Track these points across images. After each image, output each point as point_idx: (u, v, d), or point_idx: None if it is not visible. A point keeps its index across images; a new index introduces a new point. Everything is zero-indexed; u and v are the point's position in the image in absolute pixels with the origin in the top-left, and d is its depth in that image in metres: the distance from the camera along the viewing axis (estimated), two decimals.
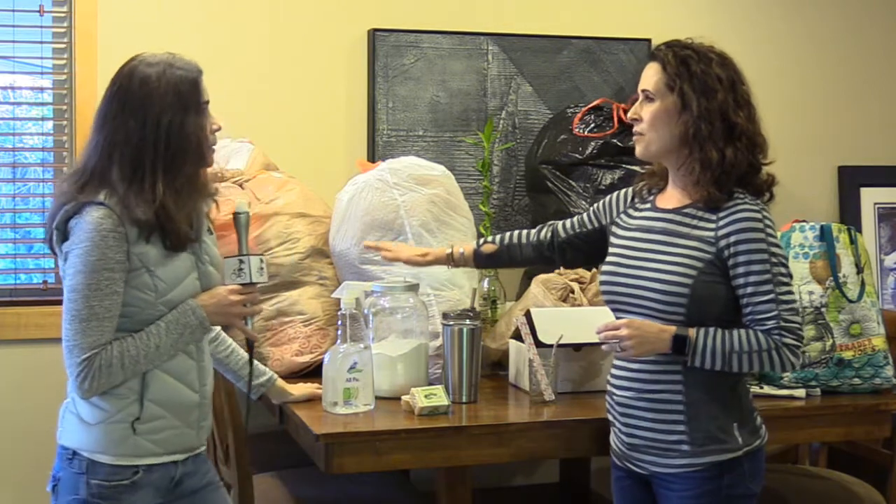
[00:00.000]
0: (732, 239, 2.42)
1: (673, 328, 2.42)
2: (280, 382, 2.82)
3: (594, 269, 3.26)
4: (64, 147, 3.63)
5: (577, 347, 3.01)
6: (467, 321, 2.89)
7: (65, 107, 3.62)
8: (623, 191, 2.71)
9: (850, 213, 4.21)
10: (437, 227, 3.18)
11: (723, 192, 2.46)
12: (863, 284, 3.08)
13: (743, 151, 2.46)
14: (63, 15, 3.60)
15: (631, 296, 2.51)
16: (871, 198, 4.25)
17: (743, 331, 2.42)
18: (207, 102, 2.40)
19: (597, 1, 4.01)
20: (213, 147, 2.43)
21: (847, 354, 3.02)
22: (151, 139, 2.30)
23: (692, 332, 2.42)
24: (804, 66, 4.23)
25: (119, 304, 2.28)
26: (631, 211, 2.63)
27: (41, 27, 3.59)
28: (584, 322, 3.04)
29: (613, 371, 2.61)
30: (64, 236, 2.31)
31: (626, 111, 3.71)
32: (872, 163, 4.29)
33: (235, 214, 2.50)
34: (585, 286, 3.20)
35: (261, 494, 2.97)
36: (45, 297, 3.56)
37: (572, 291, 3.18)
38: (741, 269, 2.42)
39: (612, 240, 2.63)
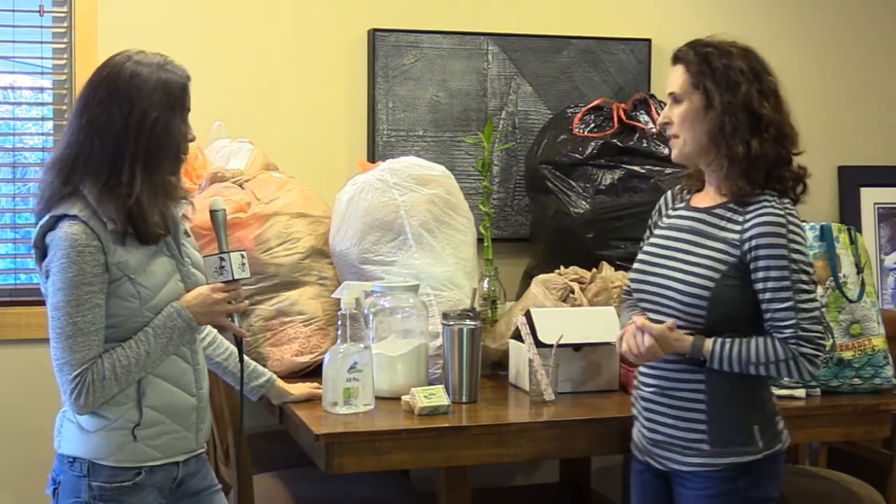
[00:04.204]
0: (754, 243, 2.41)
1: (688, 347, 2.43)
2: (279, 383, 2.82)
3: (594, 270, 3.26)
4: None
5: (577, 347, 3.01)
6: (467, 321, 2.89)
7: (65, 107, 3.62)
8: (663, 197, 2.72)
9: (850, 213, 4.21)
10: (437, 227, 3.18)
11: (753, 185, 2.45)
12: (863, 284, 3.08)
13: (771, 142, 2.45)
14: (63, 15, 3.60)
15: (656, 294, 2.53)
16: (871, 198, 4.25)
17: (760, 340, 2.42)
18: (189, 109, 2.39)
19: (597, 1, 4.01)
20: (187, 153, 2.42)
21: (847, 354, 3.02)
22: (134, 132, 2.29)
23: (706, 349, 2.42)
24: (804, 66, 4.23)
25: (102, 317, 2.27)
26: (669, 212, 2.65)
27: (41, 27, 3.59)
28: (584, 322, 3.05)
29: (641, 368, 2.61)
30: (43, 253, 2.30)
31: (626, 111, 3.72)
32: (872, 163, 4.29)
33: (212, 212, 2.49)
34: (585, 286, 3.20)
35: (261, 494, 2.97)
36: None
37: (572, 291, 3.18)
38: (760, 274, 2.41)
39: (650, 238, 2.64)
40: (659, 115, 3.66)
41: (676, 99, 2.52)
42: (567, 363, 3.00)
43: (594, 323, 3.05)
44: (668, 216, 2.63)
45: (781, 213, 2.43)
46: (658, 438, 2.53)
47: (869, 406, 3.00)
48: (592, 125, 3.71)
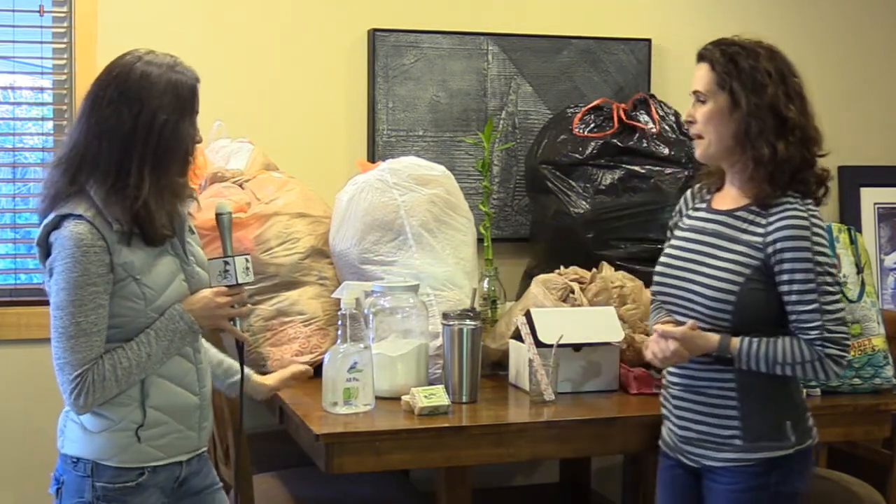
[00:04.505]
0: (778, 246, 2.42)
1: (715, 344, 2.44)
2: (255, 378, 2.70)
3: (594, 270, 3.26)
4: None
5: (577, 347, 3.01)
6: (467, 321, 2.89)
7: (65, 107, 3.62)
8: (682, 197, 2.72)
9: (850, 213, 4.21)
10: (437, 227, 3.18)
11: (776, 188, 2.45)
12: (863, 284, 3.08)
13: (796, 145, 2.46)
14: (63, 15, 3.60)
15: (680, 297, 2.54)
16: (871, 198, 4.25)
17: (787, 341, 2.43)
18: (198, 113, 2.38)
19: (597, 1, 4.01)
20: (193, 157, 2.41)
21: None
22: (143, 134, 2.27)
23: (734, 346, 2.43)
24: (804, 66, 4.18)
25: (105, 318, 2.26)
26: (690, 212, 2.65)
27: (41, 27, 3.59)
28: (584, 322, 3.05)
29: (669, 368, 2.62)
30: (46, 252, 2.29)
31: (626, 111, 3.72)
32: (872, 163, 4.29)
33: (218, 215, 2.47)
34: (585, 286, 3.20)
35: (261, 494, 2.97)
36: (45, 297, 3.55)
37: (572, 291, 3.18)
38: (785, 277, 2.42)
39: (671, 239, 2.65)
40: (659, 115, 3.68)
41: (700, 98, 2.52)
42: (567, 363, 3.00)
43: (594, 323, 3.06)
44: (689, 217, 2.64)
45: (805, 215, 2.44)
46: (689, 436, 2.55)
47: (869, 406, 3.00)
48: (592, 125, 3.71)
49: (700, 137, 2.53)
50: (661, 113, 3.71)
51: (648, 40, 3.99)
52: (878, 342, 3.06)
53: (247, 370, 2.70)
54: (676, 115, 3.72)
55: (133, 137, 2.27)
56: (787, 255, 2.41)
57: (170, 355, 2.34)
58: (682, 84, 4.02)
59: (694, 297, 2.49)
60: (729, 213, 2.52)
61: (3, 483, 3.58)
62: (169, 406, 2.35)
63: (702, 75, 2.52)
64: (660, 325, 2.51)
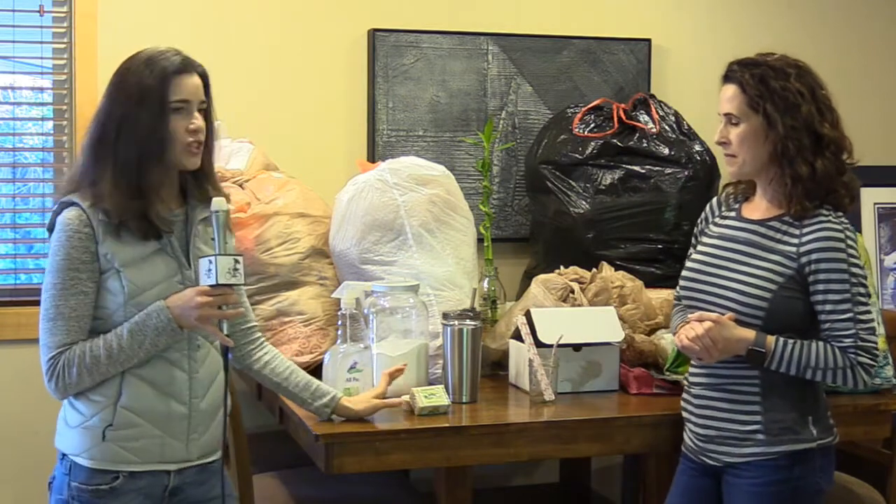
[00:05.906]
0: (814, 256, 2.47)
1: (751, 336, 2.46)
2: (344, 400, 2.62)
3: (594, 270, 3.26)
4: (64, 147, 3.63)
5: (577, 347, 3.01)
6: (467, 321, 2.89)
7: (65, 107, 3.62)
8: (708, 204, 2.74)
9: (850, 213, 4.20)
10: (437, 227, 3.18)
11: (813, 202, 2.50)
12: None
13: (831, 159, 2.50)
14: (63, 15, 3.60)
15: (711, 304, 2.56)
16: (871, 198, 4.25)
17: (821, 345, 2.47)
18: (185, 101, 2.31)
19: (597, 1, 4.01)
20: (189, 147, 2.32)
21: None
22: (110, 132, 2.30)
23: (769, 343, 2.46)
24: None
25: (87, 305, 2.27)
26: (717, 219, 2.68)
27: (41, 27, 3.59)
28: (584, 322, 3.05)
29: (692, 368, 2.66)
30: None
31: (626, 111, 3.72)
32: (872, 163, 4.27)
33: (212, 213, 2.37)
34: (585, 286, 3.20)
35: (261, 494, 2.97)
36: None
37: (572, 291, 3.18)
38: (821, 287, 2.47)
39: (699, 246, 2.68)
40: (659, 115, 3.68)
41: (732, 120, 2.54)
42: (567, 363, 3.00)
43: (594, 323, 3.06)
44: (717, 224, 2.67)
45: (839, 228, 2.49)
46: (711, 434, 2.57)
47: (869, 406, 3.00)
48: (592, 125, 3.71)
49: (733, 156, 2.56)
50: (661, 113, 3.71)
51: (648, 40, 3.99)
52: (878, 342, 3.05)
53: (335, 393, 2.61)
54: (676, 115, 3.73)
55: (101, 137, 2.31)
56: (823, 265, 2.46)
57: (147, 351, 2.29)
58: (682, 84, 4.05)
59: (725, 303, 2.53)
60: (761, 222, 2.56)
61: (3, 482, 3.58)
62: (145, 410, 2.32)
63: (731, 97, 2.53)
64: (695, 314, 2.53)
